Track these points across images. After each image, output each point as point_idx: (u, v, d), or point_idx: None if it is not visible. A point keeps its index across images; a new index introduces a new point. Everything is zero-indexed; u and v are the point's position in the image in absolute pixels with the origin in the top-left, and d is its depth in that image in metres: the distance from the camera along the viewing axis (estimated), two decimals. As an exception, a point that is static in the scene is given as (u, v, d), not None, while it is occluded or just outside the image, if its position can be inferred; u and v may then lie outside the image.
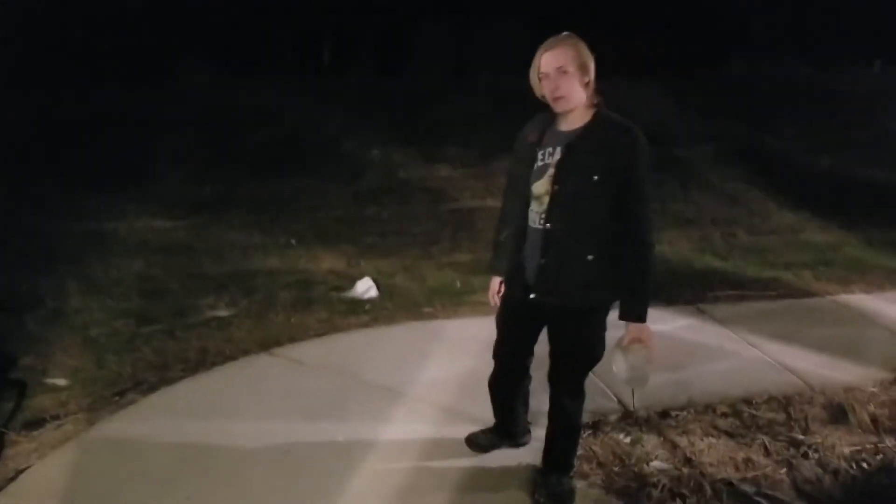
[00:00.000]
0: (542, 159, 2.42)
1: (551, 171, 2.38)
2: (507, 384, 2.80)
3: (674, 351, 3.87)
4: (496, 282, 2.70)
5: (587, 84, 2.35)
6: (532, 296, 2.46)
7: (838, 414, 3.25)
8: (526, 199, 2.45)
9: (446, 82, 10.99)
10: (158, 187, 6.91)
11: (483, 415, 2.97)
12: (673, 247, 5.87)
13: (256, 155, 8.03)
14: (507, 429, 2.90)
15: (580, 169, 2.33)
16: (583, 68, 2.33)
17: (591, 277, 2.39)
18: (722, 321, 4.30)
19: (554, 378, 2.60)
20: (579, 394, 2.61)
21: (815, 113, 10.35)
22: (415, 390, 3.39)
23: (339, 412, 3.18)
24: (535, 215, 2.43)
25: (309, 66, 11.97)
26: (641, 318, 2.37)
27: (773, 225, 6.62)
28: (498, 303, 2.68)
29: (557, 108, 2.37)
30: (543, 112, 2.48)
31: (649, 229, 2.37)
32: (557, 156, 2.38)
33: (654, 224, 2.43)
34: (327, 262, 5.29)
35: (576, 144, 2.35)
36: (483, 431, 2.97)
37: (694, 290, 4.83)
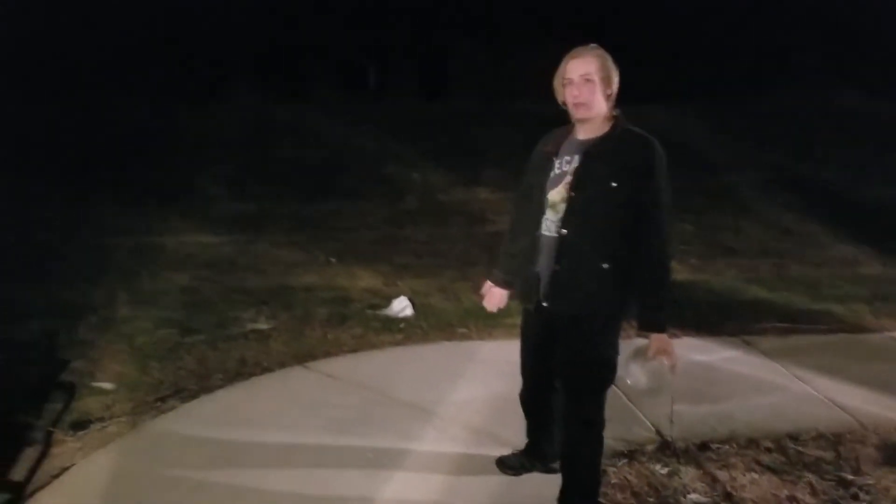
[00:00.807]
0: (559, 167, 2.42)
1: (568, 178, 2.38)
2: (533, 401, 2.74)
3: (716, 382, 3.75)
4: (488, 286, 2.72)
5: (609, 96, 2.36)
6: (544, 304, 2.43)
7: (893, 455, 3.06)
8: (541, 207, 2.44)
9: (487, 107, 11.06)
10: (205, 204, 7.11)
11: (513, 438, 2.93)
12: (719, 277, 5.71)
13: (300, 175, 8.20)
14: (538, 449, 2.83)
15: (598, 176, 2.33)
16: (607, 79, 2.35)
17: (604, 287, 2.35)
18: (769, 354, 4.14)
19: (565, 407, 2.53)
20: (595, 422, 2.49)
21: (865, 142, 10.01)
22: (445, 410, 3.36)
23: (368, 428, 3.17)
24: (551, 224, 2.41)
25: (354, 90, 12.21)
26: (663, 329, 2.33)
27: (826, 256, 6.37)
28: (492, 305, 2.71)
29: (577, 114, 2.37)
30: (560, 127, 2.50)
31: (668, 239, 2.36)
32: (575, 164, 2.37)
33: (673, 234, 2.42)
34: (364, 280, 5.32)
35: (593, 152, 2.35)
36: (514, 453, 2.91)
37: (740, 321, 4.67)
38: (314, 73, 12.12)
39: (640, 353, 2.36)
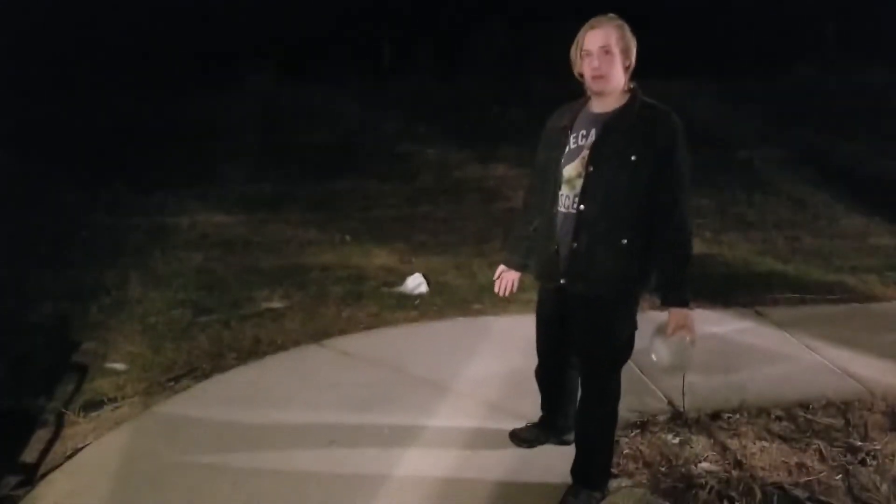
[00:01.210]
0: (575, 142, 2.37)
1: (585, 152, 2.33)
2: (549, 377, 2.77)
3: (728, 353, 3.77)
4: (501, 270, 2.72)
5: (627, 68, 2.31)
6: (562, 281, 2.41)
7: (901, 421, 3.09)
8: (557, 183, 2.39)
9: (503, 85, 10.99)
10: (221, 184, 7.16)
11: (528, 411, 2.97)
12: (733, 250, 5.70)
13: (315, 154, 8.21)
14: (552, 422, 2.87)
15: (617, 149, 2.28)
16: (626, 51, 2.29)
17: (623, 264, 2.33)
18: (780, 324, 4.15)
19: (583, 378, 2.54)
20: (609, 396, 2.51)
21: (886, 116, 9.87)
22: (460, 385, 3.40)
23: (384, 404, 3.22)
24: (567, 199, 2.36)
25: (368, 69, 12.16)
26: (686, 303, 2.30)
27: (839, 229, 6.33)
28: (502, 290, 2.70)
29: (595, 87, 2.32)
30: (573, 101, 2.45)
31: (689, 214, 2.31)
32: (592, 138, 2.33)
33: (692, 209, 2.34)
34: (380, 258, 5.36)
35: (612, 125, 2.30)
36: (528, 426, 2.95)
37: (753, 293, 4.67)
38: (327, 53, 12.08)
39: (661, 330, 2.33)
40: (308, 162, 7.97)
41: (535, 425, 2.94)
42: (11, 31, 8.92)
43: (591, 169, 2.31)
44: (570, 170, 2.36)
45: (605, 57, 2.28)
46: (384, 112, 9.64)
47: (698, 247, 5.45)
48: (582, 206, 2.32)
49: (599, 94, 2.34)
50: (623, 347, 2.45)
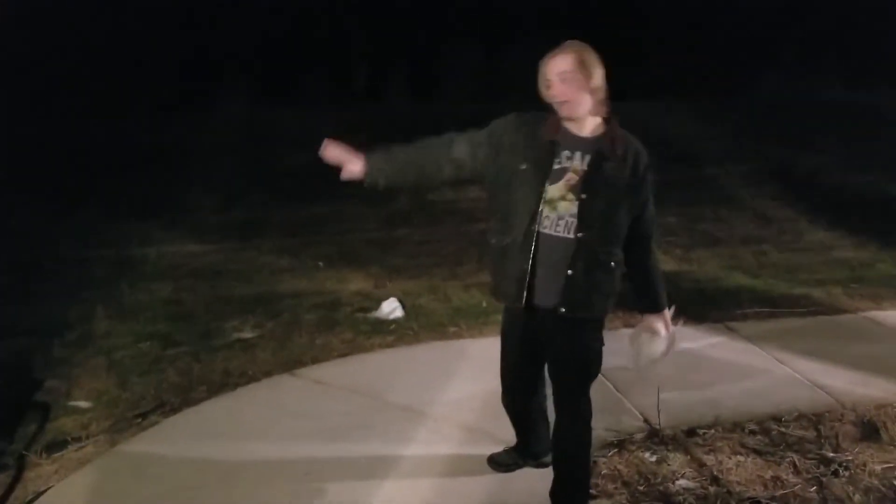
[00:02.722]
0: (560, 163, 2.36)
1: (570, 176, 2.34)
2: (519, 401, 2.76)
3: (701, 369, 3.81)
4: (354, 161, 2.61)
5: (593, 90, 2.33)
6: (562, 310, 2.39)
7: (870, 431, 3.14)
8: (537, 199, 2.34)
9: (476, 107, 11.07)
10: (191, 212, 7.06)
11: (506, 434, 2.94)
12: (702, 266, 5.78)
13: (288, 179, 8.15)
14: (528, 446, 2.86)
15: (609, 179, 2.35)
16: (586, 73, 2.31)
17: (610, 285, 2.44)
18: (751, 338, 4.21)
19: (557, 399, 2.55)
20: (583, 414, 2.54)
21: (847, 131, 10.17)
22: (437, 410, 3.37)
23: (361, 433, 3.17)
24: (549, 221, 2.34)
25: (343, 93, 12.18)
26: (666, 306, 2.59)
27: (804, 243, 6.47)
28: (332, 156, 2.60)
29: (563, 112, 2.35)
30: (539, 112, 2.44)
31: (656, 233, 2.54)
32: (578, 162, 2.34)
33: (661, 228, 2.60)
34: (354, 283, 5.32)
35: (603, 153, 2.35)
36: (506, 450, 2.94)
37: (723, 308, 4.74)
38: (301, 77, 12.08)
39: (634, 337, 2.55)
40: (281, 187, 7.91)
41: (512, 449, 2.92)
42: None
43: (585, 197, 2.32)
44: (553, 191, 2.35)
45: (564, 83, 2.31)
46: (358, 136, 9.61)
47: (669, 264, 5.66)
48: (580, 234, 2.33)
49: (570, 119, 2.37)
50: (597, 364, 2.53)
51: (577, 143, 2.36)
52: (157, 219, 6.73)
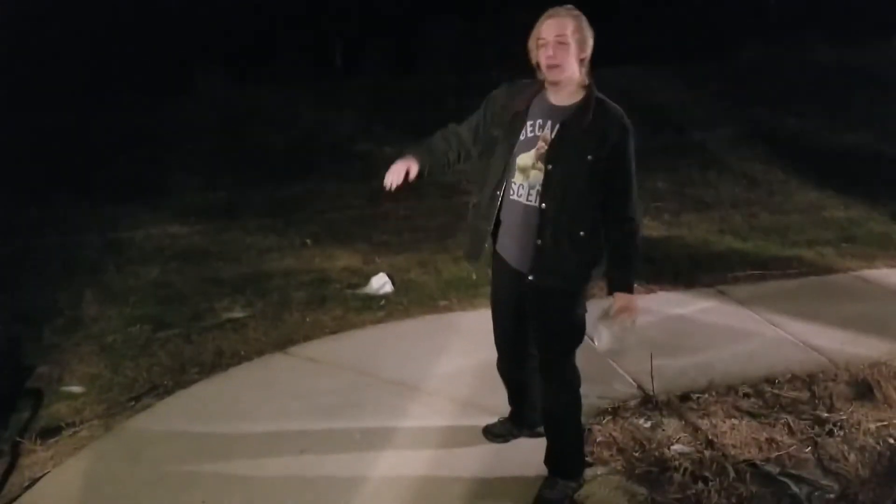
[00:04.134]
0: (531, 131, 2.38)
1: (541, 144, 2.35)
2: (511, 369, 2.76)
3: (694, 334, 3.82)
4: (407, 165, 2.56)
5: (583, 60, 2.33)
6: (530, 278, 2.42)
7: (864, 390, 3.16)
8: (507, 167, 2.41)
9: (457, 78, 10.94)
10: (174, 194, 6.95)
11: (499, 406, 2.95)
12: (692, 230, 5.77)
13: (271, 158, 8.05)
14: (522, 416, 2.86)
15: (575, 149, 2.31)
16: (581, 43, 2.31)
17: (583, 254, 2.40)
18: (743, 302, 4.21)
19: (542, 366, 2.56)
20: (570, 381, 2.55)
21: (834, 91, 10.12)
22: (430, 384, 3.37)
23: (353, 409, 3.16)
24: (522, 189, 2.39)
25: (321, 69, 12.00)
26: (631, 289, 2.40)
27: (794, 204, 6.46)
28: (391, 179, 2.58)
29: (550, 76, 2.33)
30: (526, 80, 2.45)
31: (636, 207, 2.40)
32: (548, 131, 2.35)
33: (640, 203, 2.45)
34: (342, 260, 5.28)
35: (570, 123, 2.33)
36: (500, 421, 2.94)
37: (714, 272, 4.73)
38: (279, 55, 11.88)
39: (604, 315, 2.41)
40: (264, 166, 7.80)
41: (506, 419, 2.93)
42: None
43: (550, 167, 2.33)
44: (525, 159, 2.38)
45: (559, 47, 2.29)
46: (339, 112, 9.51)
47: (659, 230, 5.63)
48: (544, 205, 2.35)
49: (555, 83, 2.35)
50: (578, 332, 2.51)
51: (551, 112, 2.37)
52: (140, 202, 6.62)
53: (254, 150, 8.33)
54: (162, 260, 5.32)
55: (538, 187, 2.35)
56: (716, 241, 5.48)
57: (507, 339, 2.68)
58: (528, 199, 2.38)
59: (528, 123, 2.39)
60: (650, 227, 5.60)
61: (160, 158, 7.90)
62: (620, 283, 2.40)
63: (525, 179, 2.38)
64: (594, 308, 2.49)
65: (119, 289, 4.73)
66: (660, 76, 10.87)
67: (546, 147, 2.34)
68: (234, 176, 7.50)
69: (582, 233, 2.37)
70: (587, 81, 2.36)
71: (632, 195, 2.38)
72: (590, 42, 2.33)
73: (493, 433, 2.91)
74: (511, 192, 2.42)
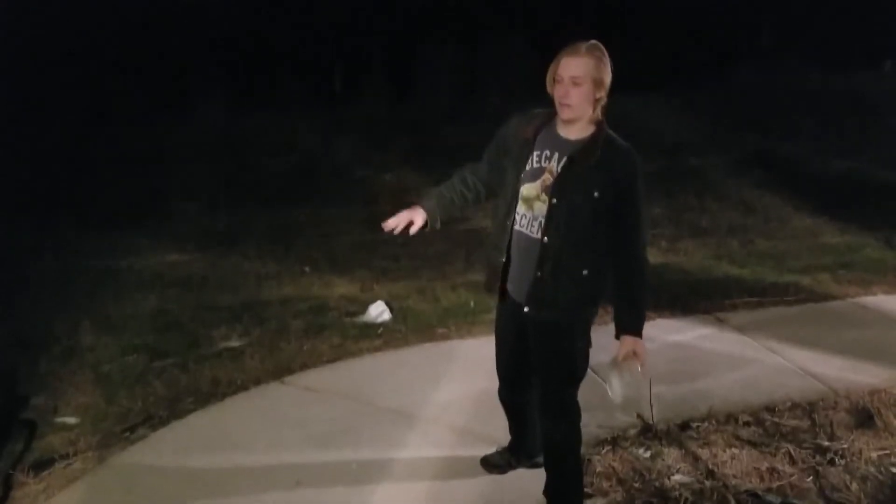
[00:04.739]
0: (539, 162, 2.36)
1: (546, 176, 2.33)
2: (512, 398, 2.74)
3: (692, 361, 3.80)
4: (412, 216, 2.57)
5: (598, 100, 2.30)
6: (525, 309, 2.41)
7: (864, 418, 3.15)
8: (514, 196, 2.39)
9: (456, 106, 11.05)
10: (173, 221, 6.96)
11: (497, 435, 2.93)
12: (689, 257, 5.78)
13: (270, 185, 8.08)
14: (522, 445, 2.84)
15: (581, 184, 2.29)
16: (597, 83, 2.27)
17: (583, 292, 2.37)
18: (741, 329, 4.21)
19: (542, 398, 2.54)
20: (570, 412, 2.52)
21: (826, 116, 10.22)
22: (428, 413, 3.34)
23: (351, 439, 3.14)
24: (525, 220, 2.38)
25: (320, 96, 12.10)
26: (639, 333, 2.31)
27: (790, 230, 6.49)
28: (396, 223, 2.58)
29: (562, 114, 2.32)
30: (540, 109, 2.44)
31: (644, 246, 2.36)
32: (555, 163, 2.33)
33: (648, 241, 2.42)
34: (341, 287, 5.27)
35: (578, 158, 2.30)
36: (499, 451, 2.91)
37: (712, 299, 4.73)
38: (279, 81, 11.99)
39: (613, 363, 2.32)
40: (263, 192, 7.83)
41: (505, 450, 2.90)
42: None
43: (555, 201, 2.31)
44: (530, 189, 2.36)
45: (574, 88, 2.26)
46: (338, 138, 9.59)
47: (656, 256, 5.64)
48: (546, 239, 2.33)
49: (566, 120, 2.34)
50: (580, 365, 2.48)
51: (560, 145, 2.34)
52: (139, 228, 6.62)
53: (252, 175, 8.37)
54: (160, 287, 5.31)
55: (541, 219, 2.33)
56: (713, 267, 5.49)
57: (508, 369, 2.66)
58: (530, 231, 2.37)
59: (535, 153, 2.36)
60: (648, 254, 5.61)
61: (159, 184, 7.93)
62: (628, 327, 2.31)
63: (529, 210, 2.36)
64: (600, 333, 2.46)
65: (116, 317, 4.71)
66: (653, 102, 10.99)
67: (551, 179, 2.32)
68: (233, 202, 7.52)
69: (585, 271, 2.33)
70: (600, 118, 2.34)
71: (641, 234, 2.33)
72: (607, 81, 2.29)
73: (492, 464, 2.88)
74: (516, 223, 2.41)
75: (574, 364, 2.46)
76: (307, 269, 5.72)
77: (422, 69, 12.85)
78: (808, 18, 13.09)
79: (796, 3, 13.07)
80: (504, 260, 2.45)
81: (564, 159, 2.31)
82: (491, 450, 2.93)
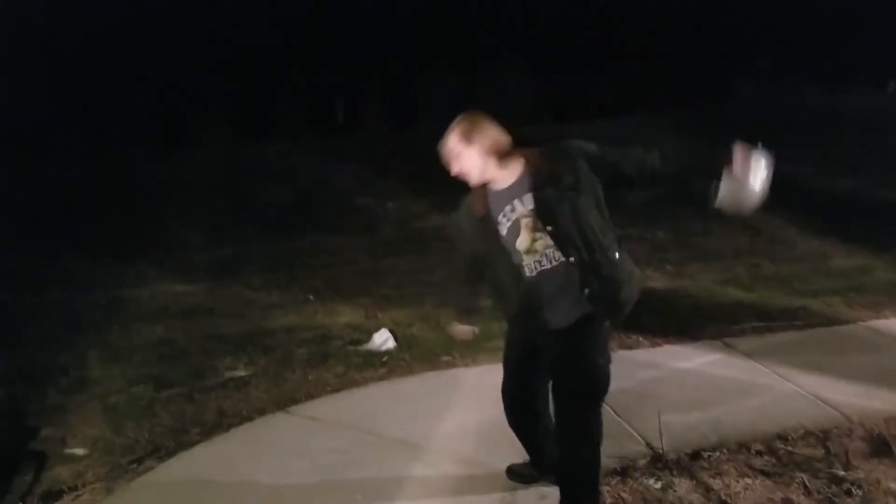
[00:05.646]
0: (508, 219, 2.45)
1: (525, 221, 2.42)
2: (523, 418, 2.74)
3: (701, 388, 3.75)
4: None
5: (487, 152, 2.44)
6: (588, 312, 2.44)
7: (880, 446, 3.07)
8: (515, 260, 2.48)
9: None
10: (178, 251, 6.99)
11: (502, 465, 2.91)
12: (695, 281, 5.74)
13: (273, 214, 8.12)
14: (540, 462, 2.82)
15: (556, 198, 2.38)
16: (470, 142, 2.44)
17: (622, 271, 2.46)
18: (750, 354, 4.15)
19: (560, 418, 2.53)
20: (593, 433, 2.52)
21: (828, 137, 10.21)
22: (433, 443, 3.30)
23: (356, 469, 3.10)
24: (536, 263, 2.44)
25: (322, 126, 12.22)
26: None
27: (798, 253, 6.44)
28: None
29: (473, 183, 2.50)
30: (468, 193, 2.60)
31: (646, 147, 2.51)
32: (521, 207, 2.42)
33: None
34: (345, 316, 5.25)
35: (534, 185, 2.41)
36: (525, 463, 2.90)
37: (719, 324, 4.67)
38: (281, 112, 12.13)
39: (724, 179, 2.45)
40: (266, 222, 7.87)
41: (529, 463, 2.88)
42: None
43: (550, 227, 2.38)
44: (523, 240, 2.45)
45: (455, 161, 2.48)
46: (341, 167, 9.65)
47: (662, 280, 5.60)
48: (571, 259, 2.39)
49: (485, 182, 2.48)
50: (603, 382, 2.48)
51: (510, 194, 2.46)
52: (143, 259, 6.65)
53: (255, 205, 8.42)
54: (165, 317, 5.31)
55: (551, 250, 2.40)
56: (720, 292, 5.44)
57: (520, 389, 2.68)
58: (549, 264, 2.43)
59: (499, 217, 2.47)
60: (653, 279, 5.58)
61: (162, 214, 7.98)
62: (713, 166, 2.50)
63: (534, 253, 2.43)
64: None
65: (122, 347, 4.73)
66: (651, 124, 11.02)
67: (531, 217, 2.41)
68: (236, 231, 7.57)
69: (611, 252, 2.42)
70: (510, 151, 2.46)
71: (632, 148, 2.46)
72: (484, 134, 2.45)
73: (516, 473, 2.88)
74: (529, 272, 2.46)
75: (600, 379, 2.48)
76: (311, 297, 5.71)
77: (422, 96, 12.99)
78: (810, 38, 13.15)
79: (799, 23, 13.14)
80: (539, 305, 2.50)
81: (526, 196, 2.41)
82: (496, 478, 2.89)
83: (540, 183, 2.40)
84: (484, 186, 2.50)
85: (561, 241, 2.38)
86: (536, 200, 2.40)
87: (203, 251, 7.04)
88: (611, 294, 2.42)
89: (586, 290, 2.39)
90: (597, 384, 2.47)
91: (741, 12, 13.23)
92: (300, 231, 7.56)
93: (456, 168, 2.49)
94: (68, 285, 6.09)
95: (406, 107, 12.85)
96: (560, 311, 2.46)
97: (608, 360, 2.47)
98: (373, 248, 7.07)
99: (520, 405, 2.70)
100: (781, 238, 6.86)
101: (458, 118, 2.51)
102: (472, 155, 2.44)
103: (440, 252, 6.92)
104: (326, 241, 7.26)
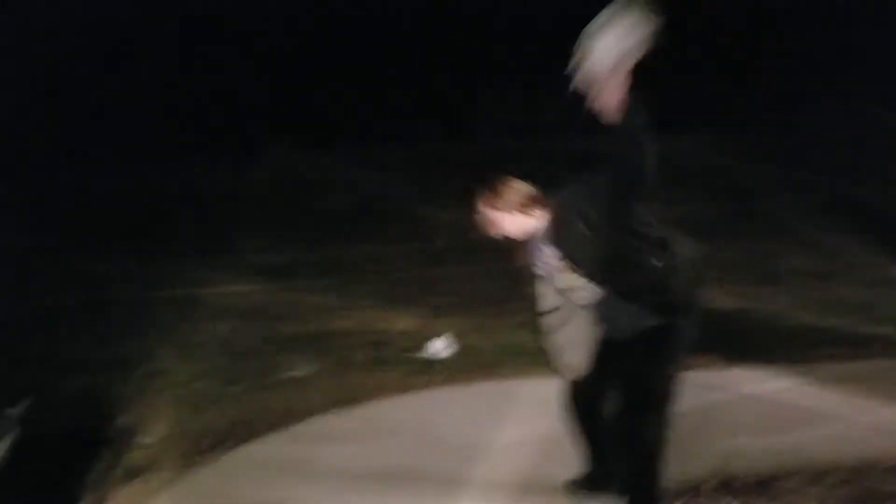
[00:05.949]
0: (542, 268, 2.54)
1: (556, 264, 2.48)
2: (581, 422, 2.70)
3: (775, 414, 3.60)
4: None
5: (521, 208, 2.54)
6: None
7: (972, 485, 2.87)
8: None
9: (515, 144, 11.08)
10: (242, 254, 7.17)
11: (560, 478, 2.86)
12: (767, 304, 5.52)
13: (331, 222, 8.27)
14: (604, 476, 2.74)
15: (578, 235, 2.39)
16: (506, 206, 2.56)
17: (654, 272, 2.38)
18: (826, 382, 3.95)
19: (621, 428, 2.51)
20: (647, 446, 2.48)
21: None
22: (489, 453, 3.27)
23: (411, 473, 3.11)
24: (589, 293, 2.44)
25: (382, 135, 12.37)
26: None
27: (874, 277, 6.12)
28: None
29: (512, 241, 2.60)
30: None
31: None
32: (549, 251, 2.49)
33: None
34: (401, 322, 5.27)
35: (555, 225, 2.48)
36: (583, 477, 2.83)
37: (792, 349, 4.48)
38: (340, 123, 12.36)
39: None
40: (325, 229, 8.02)
41: (590, 476, 2.82)
42: (10, 92, 9.12)
43: (580, 265, 2.43)
44: (562, 281, 2.49)
45: (492, 226, 2.60)
46: (398, 177, 9.77)
47: (732, 302, 5.40)
48: (611, 282, 2.40)
49: (524, 238, 2.59)
50: (661, 392, 2.43)
51: (538, 243, 2.55)
52: (209, 260, 6.85)
53: (314, 213, 8.62)
54: (228, 317, 5.44)
55: (586, 286, 2.43)
56: (794, 315, 5.22)
57: (585, 396, 2.66)
58: (595, 290, 2.44)
59: (535, 266, 2.58)
60: (720, 299, 5.39)
61: (228, 219, 8.22)
62: None
63: (577, 291, 2.46)
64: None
65: (190, 343, 4.86)
66: (724, 141, 10.76)
67: (559, 259, 2.46)
68: (296, 237, 7.74)
69: (657, 262, 2.36)
70: (533, 205, 2.53)
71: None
72: (514, 196, 2.54)
73: (578, 485, 2.82)
74: (586, 301, 2.47)
75: (663, 386, 2.44)
76: (369, 303, 5.76)
77: (481, 107, 13.00)
78: (888, 58, 12.59)
79: (876, 42, 12.60)
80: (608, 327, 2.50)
81: (549, 240, 2.49)
82: (554, 492, 2.85)
83: (558, 220, 2.46)
84: (522, 245, 2.61)
85: (595, 270, 2.41)
86: (557, 241, 2.46)
87: (265, 255, 7.21)
88: (653, 300, 2.39)
89: (630, 304, 2.39)
90: (652, 396, 2.42)
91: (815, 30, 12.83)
92: (359, 239, 7.66)
93: (494, 233, 2.60)
94: (139, 283, 6.32)
95: (465, 117, 12.88)
96: (618, 328, 2.45)
97: (667, 374, 2.42)
98: (429, 258, 7.09)
99: (582, 411, 2.68)
100: (858, 261, 6.57)
101: (479, 188, 2.63)
102: (503, 219, 2.56)
103: (494, 262, 6.88)
104: (384, 249, 7.33)
